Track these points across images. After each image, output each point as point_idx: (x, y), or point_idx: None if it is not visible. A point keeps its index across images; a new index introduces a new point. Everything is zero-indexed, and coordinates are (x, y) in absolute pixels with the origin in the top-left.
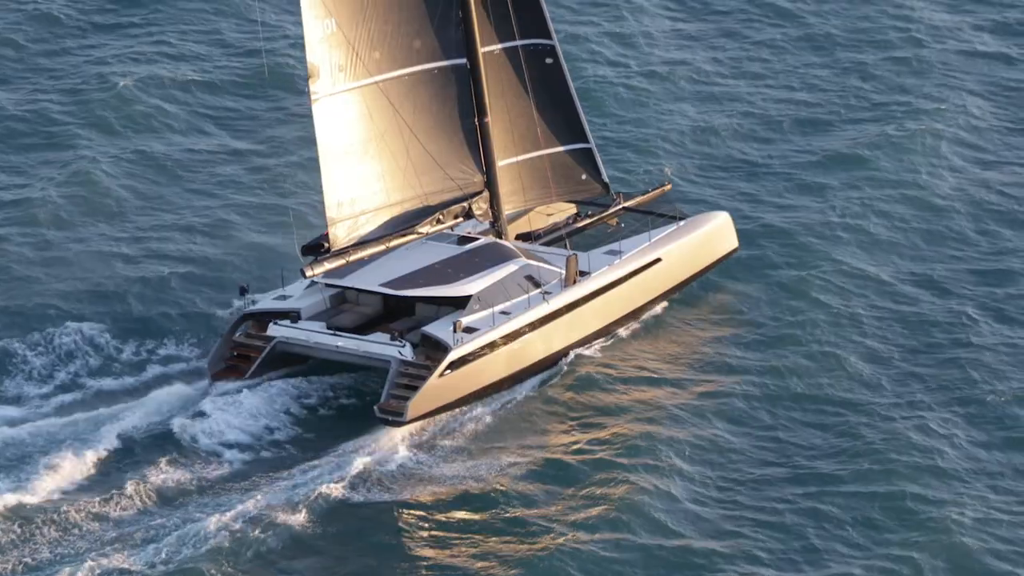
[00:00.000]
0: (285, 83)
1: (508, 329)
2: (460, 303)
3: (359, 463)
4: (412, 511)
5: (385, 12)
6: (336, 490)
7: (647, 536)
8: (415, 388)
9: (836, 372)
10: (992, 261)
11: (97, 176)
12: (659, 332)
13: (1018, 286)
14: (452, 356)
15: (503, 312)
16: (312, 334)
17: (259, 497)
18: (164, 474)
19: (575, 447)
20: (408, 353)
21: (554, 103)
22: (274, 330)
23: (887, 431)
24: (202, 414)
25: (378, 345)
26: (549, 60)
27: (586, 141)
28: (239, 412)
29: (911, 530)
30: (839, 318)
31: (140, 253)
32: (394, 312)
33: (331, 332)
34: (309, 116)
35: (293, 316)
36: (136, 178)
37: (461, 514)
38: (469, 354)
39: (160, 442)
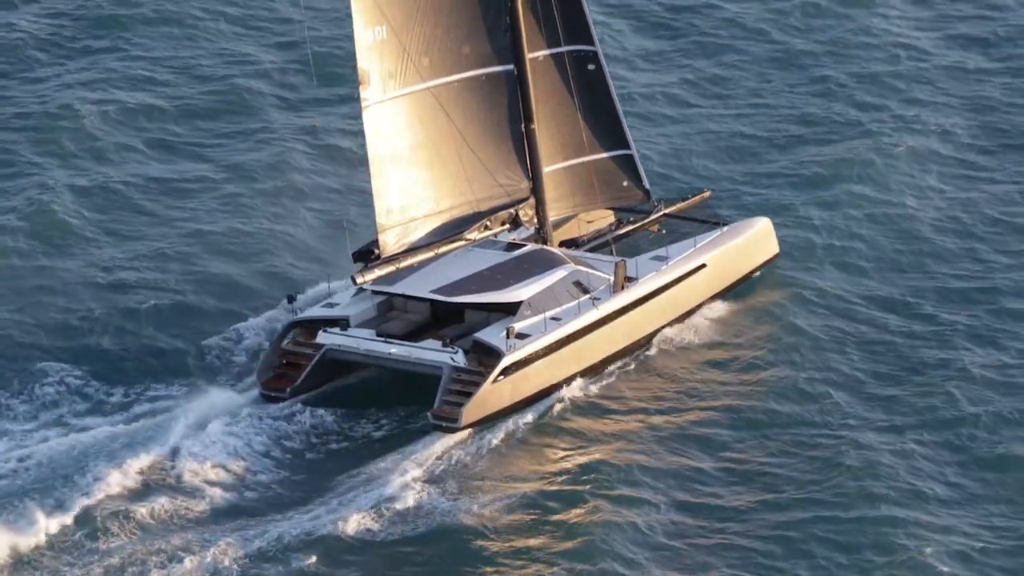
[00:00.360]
0: (254, 110)
1: (559, 335)
2: (511, 309)
3: (346, 500)
4: (399, 548)
5: (435, 16)
6: (323, 527)
7: (637, 569)
8: (468, 394)
9: (824, 400)
10: (976, 280)
11: (62, 207)
12: (644, 361)
13: (1001, 306)
14: (505, 362)
15: (554, 318)
16: (363, 341)
17: (247, 535)
18: (152, 511)
19: (561, 480)
20: (460, 360)
21: (597, 109)
22: (323, 338)
23: (872, 459)
24: (188, 453)
25: (430, 352)
26: (592, 66)
27: (628, 147)
28: (222, 452)
29: (896, 557)
30: (821, 342)
31: (111, 285)
32: (442, 319)
33: (382, 339)
34: (280, 142)
35: (342, 324)
36: (103, 209)
37: (447, 547)
38: (522, 360)
39: (147, 479)
